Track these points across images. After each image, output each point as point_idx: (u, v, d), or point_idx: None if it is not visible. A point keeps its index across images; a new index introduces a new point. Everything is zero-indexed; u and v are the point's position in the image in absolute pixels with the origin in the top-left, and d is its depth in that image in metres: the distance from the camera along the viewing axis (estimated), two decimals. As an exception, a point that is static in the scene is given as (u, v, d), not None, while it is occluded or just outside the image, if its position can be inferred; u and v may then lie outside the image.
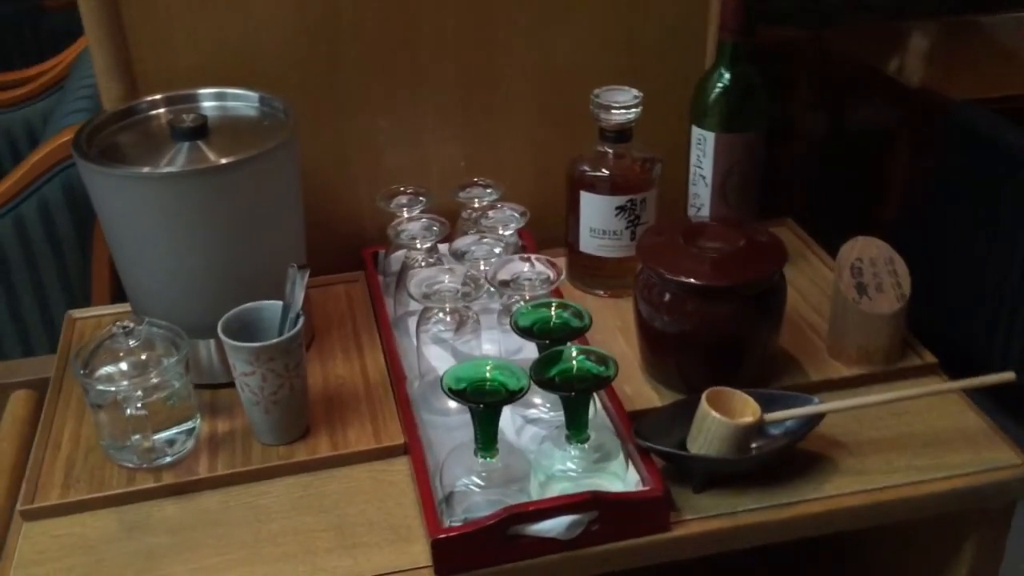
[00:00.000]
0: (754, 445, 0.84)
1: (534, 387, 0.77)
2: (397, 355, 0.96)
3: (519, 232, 1.15)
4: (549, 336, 0.84)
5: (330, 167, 1.13)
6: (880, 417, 0.91)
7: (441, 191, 1.08)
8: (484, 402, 0.76)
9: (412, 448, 0.84)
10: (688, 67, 1.12)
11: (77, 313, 1.10)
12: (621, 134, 1.04)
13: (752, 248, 0.91)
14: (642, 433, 0.83)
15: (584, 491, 0.78)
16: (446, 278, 0.89)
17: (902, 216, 1.81)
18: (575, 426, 0.80)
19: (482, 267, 0.95)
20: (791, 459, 0.86)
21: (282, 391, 0.85)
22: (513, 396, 0.76)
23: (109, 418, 0.84)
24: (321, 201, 1.14)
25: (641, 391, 0.95)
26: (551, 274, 0.91)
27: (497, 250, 0.97)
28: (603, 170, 1.04)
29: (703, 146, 1.05)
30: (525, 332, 0.84)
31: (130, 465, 0.86)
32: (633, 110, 1.03)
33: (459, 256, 0.97)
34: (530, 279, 0.91)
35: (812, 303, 1.07)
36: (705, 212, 1.08)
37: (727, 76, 1.03)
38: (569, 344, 0.81)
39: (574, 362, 0.79)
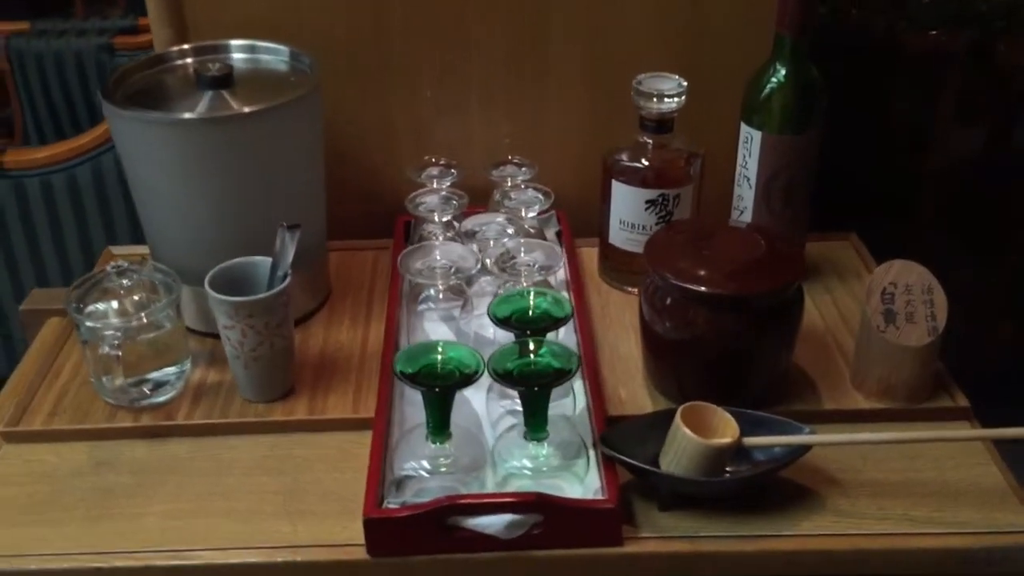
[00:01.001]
0: (730, 469, 0.79)
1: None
2: (394, 327, 0.94)
3: (558, 216, 1.11)
4: (528, 326, 0.80)
5: (374, 134, 1.12)
6: (889, 458, 0.84)
7: (483, 168, 1.06)
8: (433, 385, 0.73)
9: (376, 423, 0.83)
10: (752, 61, 1.05)
11: (117, 249, 1.13)
12: (662, 124, 0.99)
13: (768, 259, 0.85)
14: (611, 440, 0.79)
15: (529, 491, 0.74)
16: (438, 254, 0.87)
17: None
18: (533, 423, 0.77)
19: (491, 247, 0.92)
20: (773, 489, 0.80)
21: (262, 348, 0.85)
22: (467, 380, 0.73)
23: (92, 355, 0.86)
24: (365, 167, 1.14)
25: (636, 397, 0.90)
26: (550, 261, 0.87)
27: (510, 230, 0.94)
28: (639, 161, 0.99)
29: (749, 145, 0.99)
30: (503, 323, 0.81)
31: (112, 402, 0.88)
32: (675, 99, 0.97)
33: (470, 235, 0.94)
34: (529, 264, 0.88)
35: (851, 326, 0.99)
36: (748, 216, 1.02)
37: (781, 73, 0.96)
38: (529, 335, 0.78)
39: (533, 356, 0.75)
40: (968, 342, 1.29)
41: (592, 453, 0.81)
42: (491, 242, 0.92)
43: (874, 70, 1.39)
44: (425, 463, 0.77)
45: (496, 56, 1.09)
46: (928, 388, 0.89)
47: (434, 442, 0.76)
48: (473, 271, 0.86)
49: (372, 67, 1.09)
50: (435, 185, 1.02)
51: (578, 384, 0.89)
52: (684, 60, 1.05)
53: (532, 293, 0.82)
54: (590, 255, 1.10)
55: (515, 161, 1.06)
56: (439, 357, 0.74)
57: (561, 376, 0.74)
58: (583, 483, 0.78)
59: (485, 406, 0.86)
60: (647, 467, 0.77)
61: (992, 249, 1.59)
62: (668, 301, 0.85)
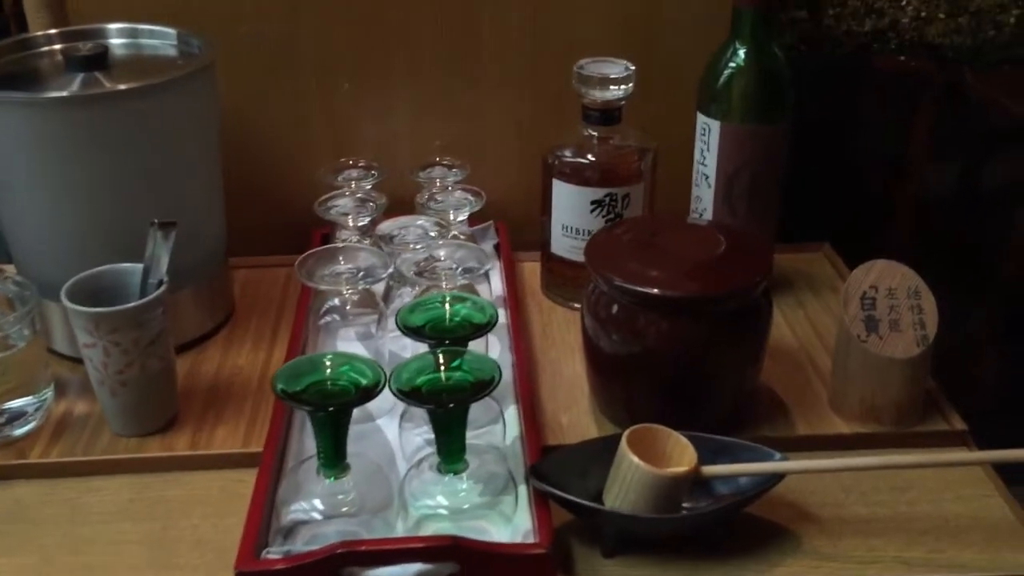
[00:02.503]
0: (687, 504, 0.66)
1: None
2: (299, 347, 0.81)
3: (497, 227, 0.99)
4: (445, 336, 0.67)
5: (286, 135, 1.00)
6: (876, 490, 0.71)
7: (409, 172, 0.93)
8: (321, 405, 0.60)
9: (264, 456, 0.69)
10: (710, 42, 0.93)
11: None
12: (608, 115, 0.87)
13: (731, 256, 0.73)
14: (544, 472, 0.65)
15: (443, 535, 0.61)
16: (341, 258, 0.74)
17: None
18: (447, 452, 0.63)
19: (408, 251, 0.79)
20: (739, 528, 0.67)
21: (131, 371, 0.72)
22: (364, 397, 0.60)
23: (-73, 379, 0.72)
24: (275, 173, 1.01)
25: (579, 424, 0.77)
26: (476, 263, 0.75)
27: (433, 234, 0.81)
28: (583, 156, 0.87)
29: (707, 138, 0.87)
30: (414, 333, 0.68)
31: (-46, 437, 0.74)
32: (622, 86, 0.85)
33: (387, 240, 0.82)
34: (450, 268, 0.75)
35: (827, 343, 0.87)
36: (708, 219, 0.90)
37: (741, 54, 0.85)
38: (439, 348, 0.65)
39: (444, 371, 0.62)
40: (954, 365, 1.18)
41: (523, 488, 0.67)
42: (410, 246, 0.79)
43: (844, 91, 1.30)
44: (318, 503, 0.63)
45: (422, 43, 0.97)
46: (918, 408, 0.76)
47: (328, 477, 0.62)
48: (383, 276, 0.73)
49: (283, 60, 0.96)
50: (353, 187, 0.89)
51: (511, 410, 0.76)
52: (633, 44, 0.94)
53: (449, 298, 0.69)
54: (533, 271, 0.98)
55: (445, 162, 0.94)
56: (328, 372, 0.61)
57: (479, 390, 0.61)
58: (511, 524, 0.65)
59: (398, 436, 0.72)
60: (587, 503, 0.64)
61: (973, 272, 1.48)
62: (614, 309, 0.72)
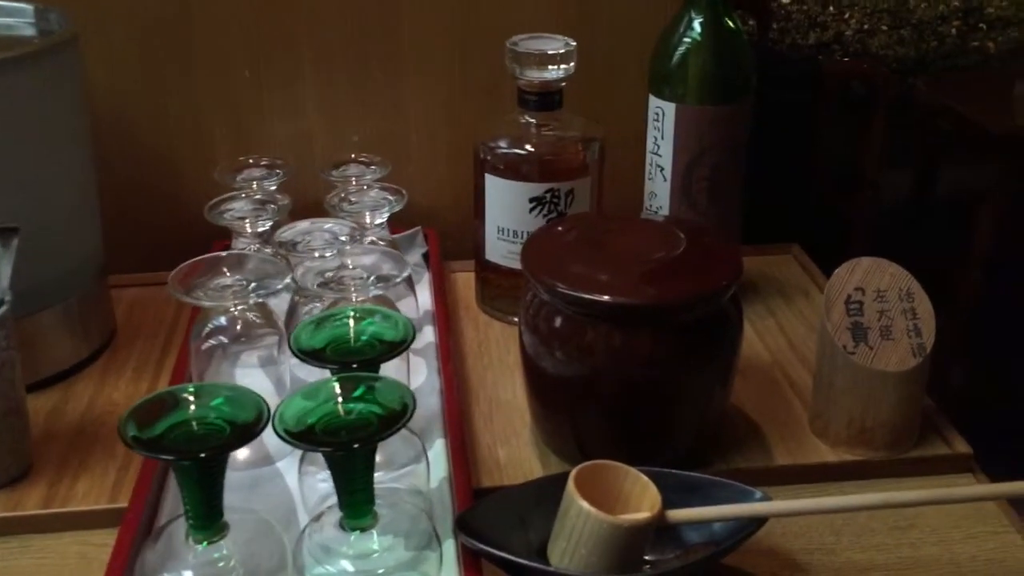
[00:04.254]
0: (650, 557, 0.54)
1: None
2: (182, 379, 0.68)
3: (425, 235, 0.87)
4: (351, 360, 0.55)
5: (177, 131, 0.87)
6: (871, 531, 0.60)
7: (321, 171, 0.81)
8: (184, 453, 0.47)
9: (127, 515, 0.56)
10: (661, 16, 0.82)
11: None
12: (547, 98, 0.75)
13: (693, 256, 0.61)
14: (475, 524, 0.53)
15: (344, 613, 0.48)
16: (226, 268, 0.61)
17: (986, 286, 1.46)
18: (350, 503, 0.50)
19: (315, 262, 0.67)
20: (709, 573, 0.55)
21: (-34, 412, 0.58)
22: (240, 439, 0.47)
23: None
24: (166, 175, 0.88)
25: (519, 459, 0.65)
26: (393, 270, 0.63)
27: (343, 238, 0.69)
28: (519, 147, 0.76)
29: (661, 123, 0.76)
30: (312, 356, 0.55)
31: None
32: (563, 65, 0.74)
33: (288, 247, 0.69)
34: (360, 278, 0.63)
35: (804, 355, 0.76)
36: (665, 215, 0.78)
37: (696, 27, 0.74)
38: (341, 375, 0.52)
39: (341, 403, 0.49)
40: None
41: (450, 544, 0.55)
42: (315, 254, 0.67)
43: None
44: (188, 573, 0.50)
45: (332, 25, 0.85)
46: (915, 430, 0.65)
47: (199, 542, 0.49)
48: (278, 287, 0.60)
49: (173, 45, 0.84)
50: (254, 188, 0.77)
51: (437, 445, 0.64)
52: (574, 18, 0.83)
53: (355, 313, 0.57)
54: (467, 282, 0.86)
55: (362, 159, 0.82)
56: (194, 409, 0.48)
57: (388, 425, 0.48)
58: (434, 588, 0.53)
59: (298, 486, 0.59)
60: (527, 563, 0.52)
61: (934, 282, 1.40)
62: (556, 322, 0.60)
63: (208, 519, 0.49)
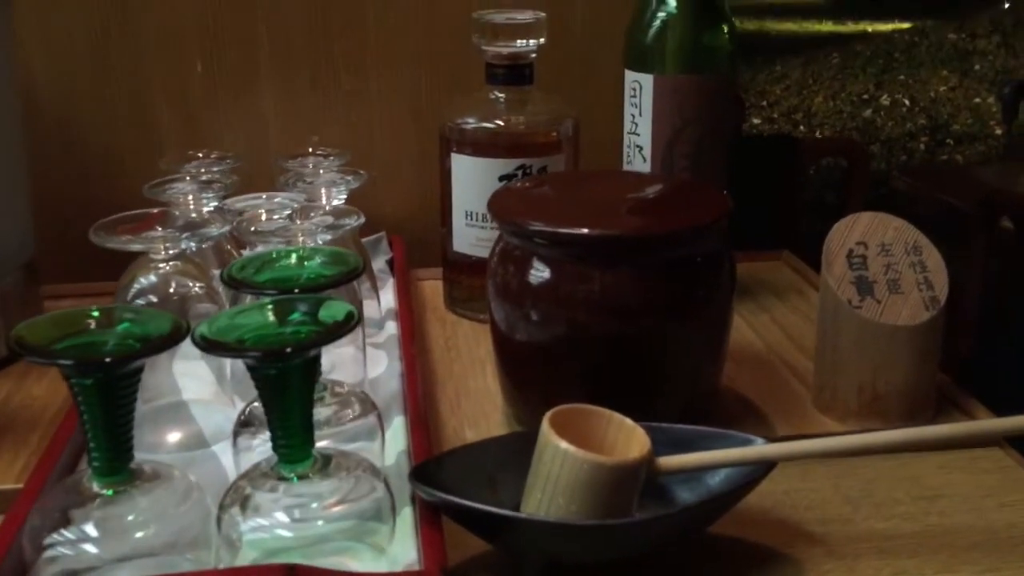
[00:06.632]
0: (639, 515, 0.46)
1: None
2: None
3: (390, 241, 0.81)
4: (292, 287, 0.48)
5: (121, 129, 0.82)
6: (894, 501, 0.52)
7: (276, 161, 0.76)
8: (85, 362, 0.40)
9: (32, 478, 0.48)
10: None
11: None
12: (516, 72, 0.71)
13: (679, 195, 0.56)
14: (434, 478, 0.45)
15: (272, 565, 0.40)
16: (159, 227, 0.55)
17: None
18: (284, 438, 0.43)
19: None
20: (710, 550, 0.47)
21: None
22: (155, 347, 0.40)
23: None
24: (106, 177, 0.82)
25: (488, 433, 0.57)
26: (342, 219, 0.56)
27: (295, 206, 0.63)
28: (488, 122, 0.70)
29: (638, 99, 0.71)
30: (248, 287, 0.48)
31: None
32: (532, 38, 0.70)
33: (234, 214, 0.63)
34: (311, 228, 0.56)
35: (800, 343, 0.69)
36: (644, 203, 0.72)
37: (672, -5, 0.70)
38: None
39: (275, 321, 0.42)
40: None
41: (407, 511, 0.47)
42: (261, 216, 0.60)
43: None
44: (90, 529, 0.42)
45: (292, 19, 0.81)
46: (931, 396, 0.58)
47: (103, 487, 0.42)
48: (215, 234, 0.54)
49: (117, 35, 0.79)
50: (202, 171, 0.71)
51: (396, 422, 0.56)
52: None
53: (301, 253, 0.50)
54: (435, 289, 0.79)
55: (319, 152, 0.76)
56: (106, 333, 0.41)
57: (330, 334, 0.41)
58: (385, 556, 0.44)
59: (234, 465, 0.51)
60: (496, 510, 0.44)
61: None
62: (529, 273, 0.54)
63: (114, 458, 0.41)
